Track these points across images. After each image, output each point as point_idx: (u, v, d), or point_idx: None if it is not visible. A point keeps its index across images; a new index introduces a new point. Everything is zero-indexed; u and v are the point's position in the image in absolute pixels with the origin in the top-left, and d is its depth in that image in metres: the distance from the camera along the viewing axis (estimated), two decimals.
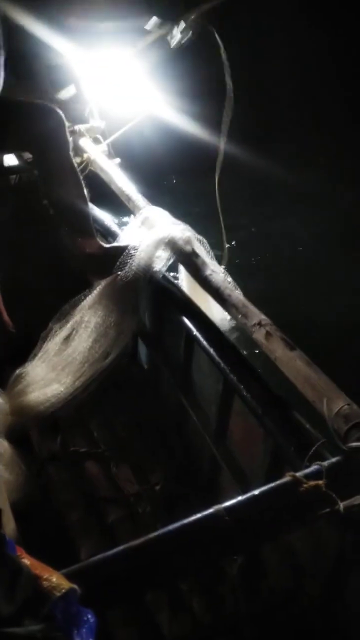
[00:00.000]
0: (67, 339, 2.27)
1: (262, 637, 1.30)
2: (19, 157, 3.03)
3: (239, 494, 1.60)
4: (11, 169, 2.91)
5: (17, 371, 2.28)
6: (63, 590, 0.75)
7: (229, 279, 2.14)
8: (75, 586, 0.78)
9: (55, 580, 0.77)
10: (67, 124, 2.18)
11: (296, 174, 4.46)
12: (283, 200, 4.55)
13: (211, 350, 1.72)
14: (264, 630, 1.31)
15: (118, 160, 3.01)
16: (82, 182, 2.15)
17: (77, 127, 2.95)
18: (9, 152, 2.41)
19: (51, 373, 2.24)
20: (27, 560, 0.79)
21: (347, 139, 4.90)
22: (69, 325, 2.27)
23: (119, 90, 3.14)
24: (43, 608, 0.72)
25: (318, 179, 4.60)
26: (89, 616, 0.77)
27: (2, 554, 0.75)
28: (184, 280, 2.33)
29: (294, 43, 5.37)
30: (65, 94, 3.09)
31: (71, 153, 2.11)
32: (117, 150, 3.04)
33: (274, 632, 1.31)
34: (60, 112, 2.11)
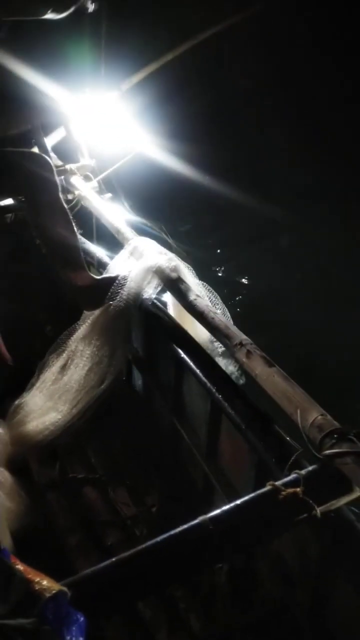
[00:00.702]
0: (63, 368, 2.35)
1: None
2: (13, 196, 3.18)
3: None
4: (6, 208, 3.05)
5: (16, 402, 2.35)
6: (53, 592, 0.82)
7: (214, 297, 2.25)
8: (64, 588, 0.85)
9: (46, 583, 0.84)
10: (56, 165, 2.31)
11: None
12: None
13: (198, 372, 1.80)
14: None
15: (109, 195, 3.16)
16: (72, 219, 2.27)
17: (68, 166, 3.10)
18: (2, 195, 2.55)
19: (49, 402, 2.31)
20: (20, 566, 0.86)
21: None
22: (64, 355, 2.35)
23: (108, 131, 3.32)
24: (34, 608, 0.79)
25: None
26: (79, 616, 0.84)
27: None
28: (171, 304, 2.43)
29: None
30: (55, 135, 3.26)
31: (60, 194, 2.23)
32: (109, 186, 3.19)
33: None
34: (46, 157, 2.25)
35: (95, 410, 2.21)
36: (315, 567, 1.27)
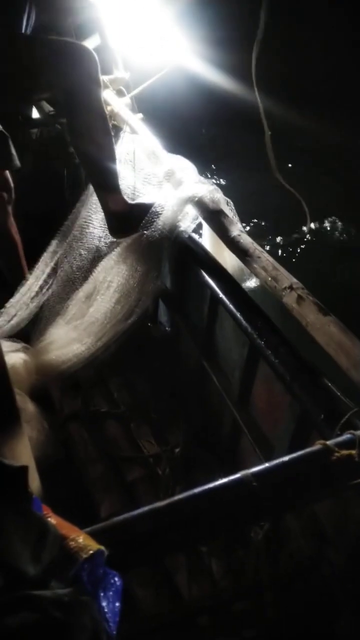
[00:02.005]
0: (89, 298, 2.24)
1: (282, 603, 1.29)
2: (40, 110, 2.93)
3: (260, 460, 1.59)
4: (33, 123, 2.82)
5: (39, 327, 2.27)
6: (90, 552, 0.73)
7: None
8: (102, 547, 0.76)
9: (82, 541, 0.75)
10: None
11: None
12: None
13: (238, 314, 1.66)
14: (284, 596, 1.31)
15: (140, 115, 2.90)
16: (112, 130, 2.06)
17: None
18: (40, 91, 2.27)
19: (72, 332, 2.22)
20: (53, 520, 0.77)
21: None
22: (91, 285, 2.23)
23: (145, 40, 2.99)
24: (70, 569, 0.70)
25: None
26: (116, 579, 0.75)
27: (29, 512, 0.73)
28: (207, 240, 2.26)
29: None
30: (89, 43, 2.95)
31: (102, 98, 2.01)
32: (142, 103, 2.92)
33: (293, 599, 1.30)
34: (95, 55, 2.00)
35: (120, 346, 2.11)
36: (357, 530, 1.20)
